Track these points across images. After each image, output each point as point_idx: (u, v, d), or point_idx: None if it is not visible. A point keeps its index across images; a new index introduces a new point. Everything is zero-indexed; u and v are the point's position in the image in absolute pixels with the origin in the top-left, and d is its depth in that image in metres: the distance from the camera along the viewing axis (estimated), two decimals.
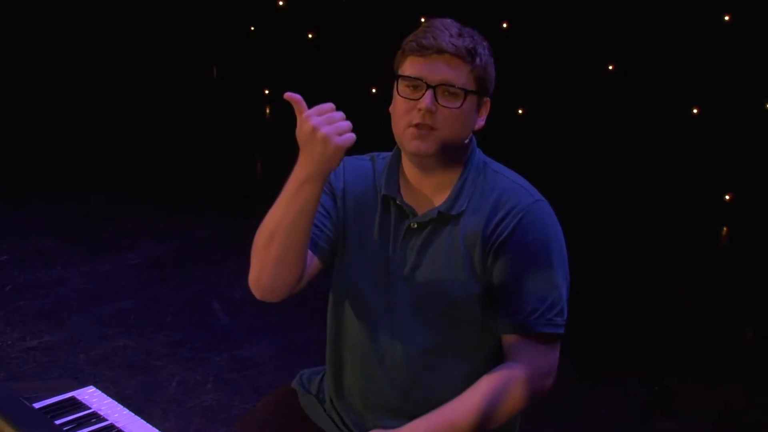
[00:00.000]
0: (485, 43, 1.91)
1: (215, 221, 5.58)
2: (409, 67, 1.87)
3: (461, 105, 1.85)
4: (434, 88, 1.83)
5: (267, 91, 8.41)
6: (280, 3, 8.29)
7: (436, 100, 1.84)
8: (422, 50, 1.84)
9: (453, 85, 1.84)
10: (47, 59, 8.71)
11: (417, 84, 1.85)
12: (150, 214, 5.69)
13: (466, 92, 1.85)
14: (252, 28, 8.70)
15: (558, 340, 1.92)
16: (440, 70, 1.84)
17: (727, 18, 5.77)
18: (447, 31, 1.85)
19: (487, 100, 1.93)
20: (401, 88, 1.88)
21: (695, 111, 6.03)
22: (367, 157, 2.06)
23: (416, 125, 1.84)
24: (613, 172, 6.21)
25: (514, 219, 1.88)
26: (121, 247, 5.14)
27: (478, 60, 1.86)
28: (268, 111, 8.29)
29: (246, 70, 8.69)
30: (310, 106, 1.71)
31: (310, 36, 8.13)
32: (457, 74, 1.84)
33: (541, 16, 6.55)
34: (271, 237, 1.81)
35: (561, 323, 1.90)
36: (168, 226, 5.49)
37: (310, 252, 1.91)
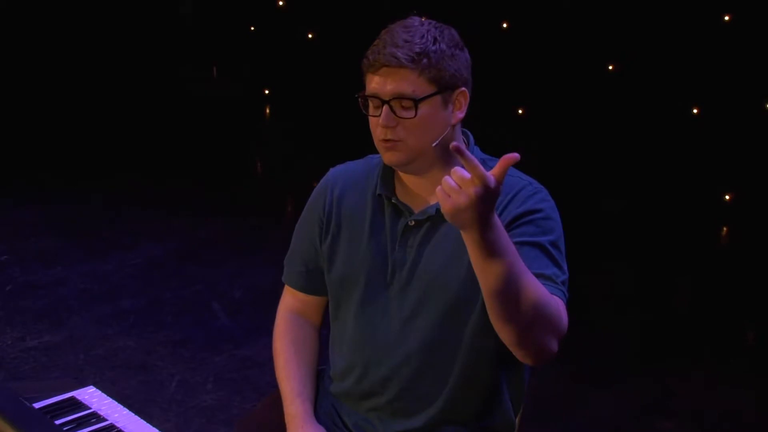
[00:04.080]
0: (445, 33, 1.87)
1: (215, 221, 5.57)
2: (367, 84, 1.88)
3: (416, 114, 1.83)
4: (388, 102, 1.84)
5: (267, 91, 8.40)
6: (280, 3, 8.29)
7: (394, 114, 1.84)
8: (371, 67, 1.85)
9: (404, 97, 1.83)
10: (48, 59, 8.71)
11: (374, 101, 1.86)
12: (150, 214, 5.69)
13: (418, 100, 1.83)
14: (252, 28, 8.69)
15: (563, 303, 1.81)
16: (388, 84, 1.83)
17: (727, 18, 5.77)
18: (391, 40, 1.84)
19: (460, 91, 1.89)
20: (364, 105, 1.89)
21: (695, 111, 6.04)
22: (362, 161, 2.08)
23: (383, 140, 1.86)
24: (613, 172, 6.21)
25: (506, 197, 1.87)
26: (121, 247, 5.14)
27: (425, 61, 1.82)
28: (268, 111, 8.29)
29: (246, 70, 8.68)
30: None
31: (310, 36, 8.13)
32: (406, 84, 1.82)
33: (541, 16, 6.55)
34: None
35: (563, 288, 1.82)
36: (168, 226, 5.49)
37: (316, 297, 2.10)
